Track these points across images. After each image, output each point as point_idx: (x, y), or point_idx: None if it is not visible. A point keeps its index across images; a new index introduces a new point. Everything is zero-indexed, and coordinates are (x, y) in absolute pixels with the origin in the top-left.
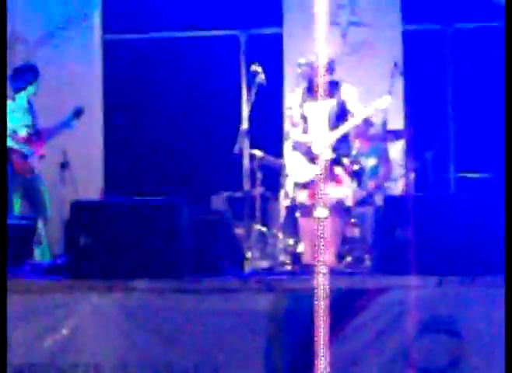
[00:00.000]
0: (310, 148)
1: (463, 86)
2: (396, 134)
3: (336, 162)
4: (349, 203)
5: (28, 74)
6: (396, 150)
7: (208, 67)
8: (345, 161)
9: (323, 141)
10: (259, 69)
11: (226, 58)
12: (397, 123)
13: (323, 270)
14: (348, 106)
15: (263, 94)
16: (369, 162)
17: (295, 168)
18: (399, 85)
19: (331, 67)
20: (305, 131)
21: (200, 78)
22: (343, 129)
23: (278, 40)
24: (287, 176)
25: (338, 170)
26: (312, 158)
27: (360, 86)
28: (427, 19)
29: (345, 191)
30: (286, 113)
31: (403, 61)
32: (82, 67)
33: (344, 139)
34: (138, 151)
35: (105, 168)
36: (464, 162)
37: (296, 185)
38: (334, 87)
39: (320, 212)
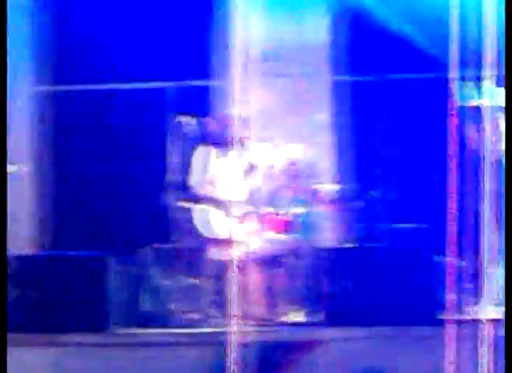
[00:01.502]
0: (222, 203)
1: (394, 137)
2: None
3: (250, 214)
4: (264, 252)
5: None
6: (327, 200)
7: (136, 119)
8: (262, 212)
9: (235, 196)
10: (186, 120)
11: (154, 110)
12: (329, 173)
13: (233, 326)
14: (257, 160)
15: (190, 145)
16: (298, 211)
17: (208, 224)
18: (330, 135)
19: (241, 122)
20: (216, 187)
21: (127, 129)
22: (253, 182)
23: (206, 91)
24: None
25: (252, 222)
26: (225, 214)
27: (289, 137)
28: (358, 70)
29: (261, 242)
30: (199, 169)
31: (333, 112)
32: (12, 119)
33: (256, 192)
34: (67, 205)
35: (33, 222)
36: (397, 213)
37: (212, 241)
38: (244, 142)
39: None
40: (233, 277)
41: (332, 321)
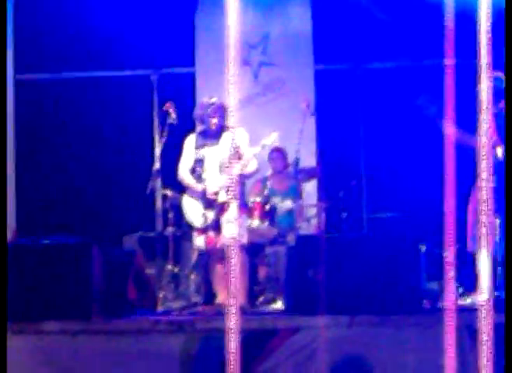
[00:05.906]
0: (203, 192)
1: (375, 126)
2: (308, 173)
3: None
4: (244, 240)
5: None
6: (309, 189)
7: (121, 107)
8: (245, 201)
9: (216, 185)
10: (171, 108)
11: (139, 97)
12: (310, 162)
13: (233, 310)
14: (241, 149)
15: (175, 133)
16: (286, 204)
17: (191, 213)
18: (311, 124)
19: (222, 111)
20: (199, 176)
21: (112, 117)
22: (236, 170)
23: (190, 79)
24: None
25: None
26: (206, 203)
27: (272, 126)
28: (339, 59)
29: (239, 229)
30: (182, 158)
31: (315, 101)
32: None
33: (239, 180)
34: (51, 192)
35: (17, 209)
36: (377, 202)
37: (194, 230)
38: (228, 130)
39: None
40: (232, 263)
41: (312, 309)
